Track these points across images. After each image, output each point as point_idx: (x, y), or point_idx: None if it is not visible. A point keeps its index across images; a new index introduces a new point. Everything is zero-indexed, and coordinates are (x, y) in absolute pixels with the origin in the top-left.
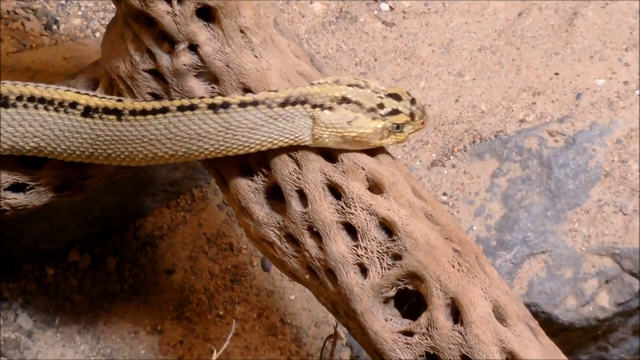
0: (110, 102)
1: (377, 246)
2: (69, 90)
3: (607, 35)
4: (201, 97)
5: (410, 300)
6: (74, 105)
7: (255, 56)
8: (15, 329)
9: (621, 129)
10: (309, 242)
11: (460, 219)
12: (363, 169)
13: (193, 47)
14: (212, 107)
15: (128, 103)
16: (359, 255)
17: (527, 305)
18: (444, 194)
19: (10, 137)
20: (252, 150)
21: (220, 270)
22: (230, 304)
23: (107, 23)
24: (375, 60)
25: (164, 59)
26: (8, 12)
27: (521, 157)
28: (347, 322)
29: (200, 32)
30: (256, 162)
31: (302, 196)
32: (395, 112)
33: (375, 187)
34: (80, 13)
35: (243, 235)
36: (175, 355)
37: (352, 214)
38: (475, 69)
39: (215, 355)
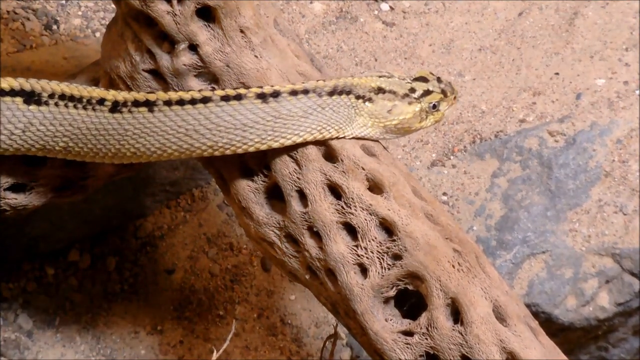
0: (140, 95)
1: (377, 246)
2: (96, 88)
3: (607, 35)
4: (246, 87)
5: (410, 300)
6: (101, 101)
7: (256, 56)
8: (15, 329)
9: (621, 129)
10: (309, 242)
11: (460, 219)
12: (363, 169)
13: (193, 47)
14: (262, 96)
15: (162, 94)
16: (359, 255)
17: (527, 305)
18: (444, 194)
19: (42, 137)
20: (298, 141)
21: (220, 270)
22: (230, 304)
23: (107, 23)
24: (376, 60)
25: (164, 59)
26: (8, 12)
27: (521, 157)
28: (347, 322)
29: (200, 32)
30: (256, 162)
31: (302, 196)
32: (427, 92)
33: (375, 187)
34: (80, 13)
35: (243, 235)
36: (175, 355)
37: (352, 214)
38: (476, 69)
39: (215, 355)
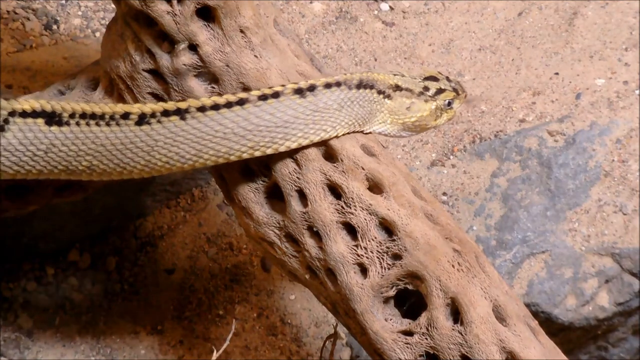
0: (169, 104)
1: (377, 246)
2: (119, 103)
3: (607, 35)
4: (282, 85)
5: (410, 300)
6: (126, 116)
7: (255, 56)
8: (15, 329)
9: (621, 128)
10: (309, 241)
11: (460, 219)
12: (363, 168)
13: (193, 47)
14: (299, 91)
15: (193, 101)
16: (359, 255)
17: (527, 305)
18: (444, 193)
19: (64, 157)
20: (334, 134)
21: (220, 270)
22: (230, 304)
23: (107, 23)
24: (375, 60)
25: (164, 59)
26: (8, 12)
27: (521, 156)
28: (347, 321)
29: (200, 32)
30: (256, 162)
31: (302, 196)
32: (441, 90)
33: (375, 187)
34: (80, 13)
35: (243, 235)
36: (175, 355)
37: (352, 213)
38: (475, 69)
39: (215, 355)
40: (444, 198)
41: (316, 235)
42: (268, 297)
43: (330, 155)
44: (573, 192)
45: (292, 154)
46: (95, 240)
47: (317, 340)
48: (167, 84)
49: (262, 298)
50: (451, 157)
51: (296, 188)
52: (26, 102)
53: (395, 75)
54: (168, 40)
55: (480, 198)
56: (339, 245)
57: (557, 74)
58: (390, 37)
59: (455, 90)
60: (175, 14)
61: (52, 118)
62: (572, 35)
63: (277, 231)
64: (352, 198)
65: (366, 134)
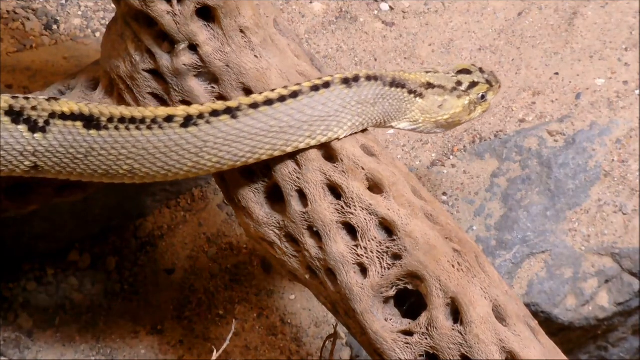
0: (218, 104)
1: (377, 246)
2: (162, 107)
3: (607, 35)
4: (330, 75)
5: (410, 300)
6: (169, 119)
7: (255, 56)
8: (15, 328)
9: (621, 128)
10: (309, 241)
11: (460, 219)
12: (363, 168)
13: (193, 47)
14: (346, 81)
15: (243, 98)
16: (358, 255)
17: (527, 305)
18: (444, 193)
19: (104, 162)
20: (365, 127)
21: (220, 270)
22: (230, 304)
23: (107, 23)
24: (375, 60)
25: (164, 59)
26: (8, 12)
27: (521, 156)
28: (347, 321)
29: (200, 32)
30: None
31: (302, 196)
32: (474, 84)
33: (375, 187)
34: (80, 13)
35: (243, 235)
36: (175, 355)
37: (352, 213)
38: None
39: (215, 355)
40: (444, 198)
41: (316, 235)
42: (268, 297)
43: (330, 155)
44: (573, 192)
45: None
46: (95, 240)
47: (317, 340)
48: (167, 84)
49: (262, 298)
50: (451, 157)
51: (296, 188)
52: (66, 104)
53: (428, 72)
54: (168, 40)
55: (480, 198)
56: (339, 245)
57: (557, 74)
58: (390, 37)
59: (488, 81)
60: (175, 14)
61: (90, 122)
62: (572, 35)
63: (277, 231)
64: (352, 198)
65: (396, 128)
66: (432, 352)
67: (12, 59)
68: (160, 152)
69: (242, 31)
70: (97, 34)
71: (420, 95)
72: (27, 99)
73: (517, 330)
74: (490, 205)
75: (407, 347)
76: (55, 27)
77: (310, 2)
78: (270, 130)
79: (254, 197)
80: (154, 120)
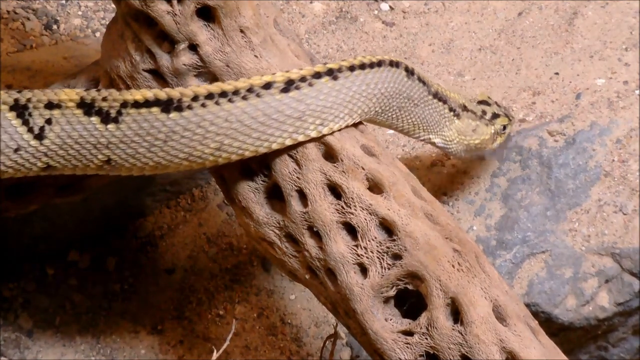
0: (319, 66)
1: (377, 246)
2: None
3: (607, 35)
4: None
5: (410, 300)
6: (268, 86)
7: (255, 56)
8: (15, 328)
9: (621, 128)
10: (309, 241)
11: (460, 219)
12: (363, 168)
13: (193, 47)
14: (409, 71)
15: (333, 64)
16: (359, 255)
17: (527, 305)
18: (444, 193)
19: (187, 143)
20: (405, 129)
21: (220, 270)
22: (230, 304)
23: (107, 23)
24: None
25: (164, 59)
26: (8, 12)
27: (521, 156)
28: (347, 321)
29: (200, 32)
30: (256, 161)
31: (302, 196)
32: (496, 115)
33: (375, 187)
34: (80, 13)
35: (243, 235)
36: (175, 355)
37: (352, 213)
38: (475, 69)
39: (215, 355)
40: (444, 198)
41: (316, 235)
42: (268, 297)
43: (330, 155)
44: (573, 192)
45: (290, 152)
46: (95, 240)
47: (317, 340)
48: (167, 84)
49: (262, 298)
50: (451, 157)
51: (296, 188)
52: (138, 93)
53: (459, 94)
54: (168, 40)
55: (480, 198)
56: (339, 245)
57: (557, 74)
58: (390, 37)
59: (506, 115)
60: (176, 14)
61: (169, 105)
62: (572, 35)
63: (277, 231)
64: (352, 198)
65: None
66: (432, 352)
67: (12, 59)
68: (257, 122)
69: (242, 31)
70: (97, 34)
71: (458, 116)
72: (97, 90)
73: (517, 330)
74: (490, 205)
75: (407, 347)
76: (55, 27)
77: (310, 2)
78: (362, 94)
79: (254, 197)
80: (249, 90)
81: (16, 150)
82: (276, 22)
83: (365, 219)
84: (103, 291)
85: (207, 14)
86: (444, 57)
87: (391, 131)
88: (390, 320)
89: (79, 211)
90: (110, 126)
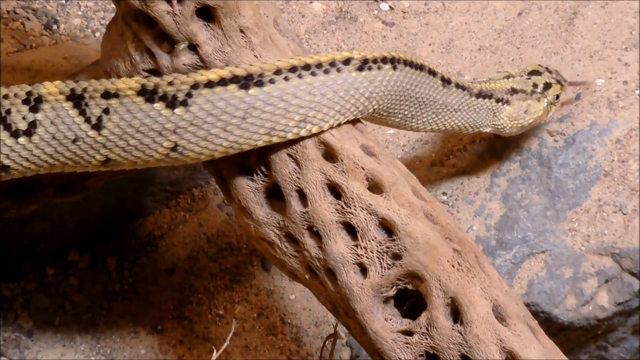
0: (395, 52)
1: (377, 246)
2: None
3: (607, 35)
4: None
5: (410, 300)
6: (347, 61)
7: (255, 56)
8: (15, 328)
9: (621, 128)
10: (309, 241)
11: (460, 219)
12: (363, 168)
13: (193, 47)
14: (447, 81)
15: (394, 53)
16: (358, 255)
17: (527, 305)
18: (444, 193)
19: (269, 118)
20: (442, 129)
21: (220, 270)
22: (230, 304)
23: (107, 23)
24: None
25: (164, 59)
26: (8, 12)
27: (521, 156)
28: (347, 321)
29: (200, 31)
30: (256, 161)
31: (302, 196)
32: (548, 85)
33: (375, 187)
34: (80, 13)
35: (243, 235)
36: (175, 355)
37: (352, 213)
38: (475, 69)
39: (215, 355)
40: (444, 198)
41: (316, 235)
42: (268, 297)
43: (330, 155)
44: (573, 192)
45: (290, 152)
46: (95, 240)
47: (317, 340)
48: None
49: (262, 298)
50: (451, 157)
51: (296, 188)
52: (211, 72)
53: (507, 77)
54: (168, 40)
55: (480, 198)
56: (339, 245)
57: None
58: (390, 37)
59: (558, 81)
60: (175, 14)
61: (249, 80)
62: (572, 35)
63: (277, 231)
64: (352, 198)
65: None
66: (432, 352)
67: (12, 59)
68: (338, 96)
69: (242, 31)
70: (97, 34)
71: (507, 102)
72: (160, 76)
73: (517, 330)
74: (490, 205)
75: (407, 347)
76: (55, 27)
77: (310, 2)
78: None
79: (254, 197)
80: (332, 64)
81: (74, 141)
82: (276, 22)
83: (365, 219)
84: (103, 291)
85: (207, 14)
86: (443, 57)
87: (391, 131)
88: (390, 320)
89: (79, 211)
90: (178, 110)
